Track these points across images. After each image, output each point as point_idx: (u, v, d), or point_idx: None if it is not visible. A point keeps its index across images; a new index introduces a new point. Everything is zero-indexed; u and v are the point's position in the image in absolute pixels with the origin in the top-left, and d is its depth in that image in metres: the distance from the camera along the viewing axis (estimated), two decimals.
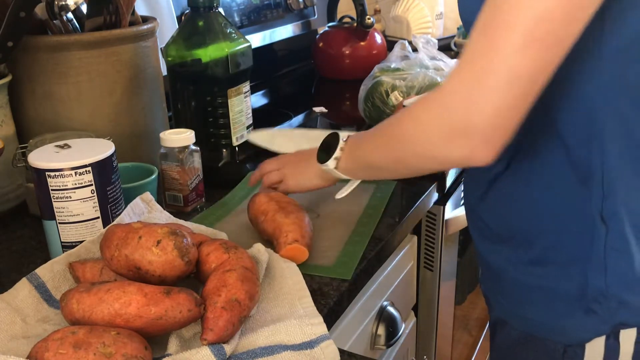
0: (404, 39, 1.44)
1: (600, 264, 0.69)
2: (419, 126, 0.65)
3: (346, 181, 0.85)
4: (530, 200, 0.72)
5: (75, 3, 0.97)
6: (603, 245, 0.68)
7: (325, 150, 0.82)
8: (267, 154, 1.18)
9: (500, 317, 0.82)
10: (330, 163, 0.81)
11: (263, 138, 1.09)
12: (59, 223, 0.76)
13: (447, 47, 2.01)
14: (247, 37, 1.41)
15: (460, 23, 2.16)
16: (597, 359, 0.72)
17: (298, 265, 0.76)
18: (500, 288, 0.80)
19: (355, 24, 1.76)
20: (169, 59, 1.00)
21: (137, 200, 0.83)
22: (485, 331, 1.64)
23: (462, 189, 1.13)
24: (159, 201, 0.89)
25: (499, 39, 0.56)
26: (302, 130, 1.10)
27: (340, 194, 0.86)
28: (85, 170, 0.75)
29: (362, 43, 1.75)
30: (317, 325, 0.64)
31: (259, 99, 1.64)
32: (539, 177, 0.70)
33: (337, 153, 0.80)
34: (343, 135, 0.82)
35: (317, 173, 0.86)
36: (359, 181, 0.85)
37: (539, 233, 0.72)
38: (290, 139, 1.07)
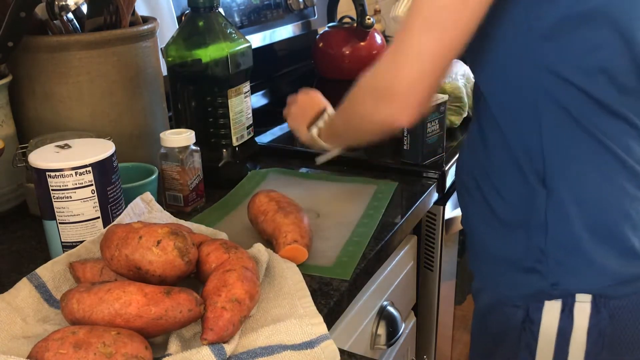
0: None
1: (541, 225, 0.75)
2: (358, 90, 0.78)
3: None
4: (485, 156, 0.80)
5: (76, 3, 0.97)
6: (544, 208, 0.74)
7: (314, 119, 0.97)
8: (268, 153, 1.18)
9: (476, 285, 0.90)
10: (314, 130, 0.95)
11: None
12: (59, 223, 0.76)
13: None
14: (247, 37, 1.41)
15: None
16: (552, 330, 0.77)
17: (297, 266, 0.76)
18: (472, 251, 0.88)
19: (355, 24, 1.76)
20: (169, 59, 1.00)
21: (138, 200, 0.83)
22: None
23: None
24: (159, 201, 0.89)
25: (410, 23, 0.69)
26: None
27: (320, 159, 1.01)
28: (86, 170, 0.75)
29: (362, 43, 1.75)
30: (317, 325, 0.64)
31: (259, 99, 1.64)
32: (490, 142, 0.79)
33: (320, 123, 0.95)
34: (329, 109, 0.96)
35: (305, 132, 0.98)
36: (337, 151, 0.97)
37: (492, 191, 0.80)
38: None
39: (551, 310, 0.76)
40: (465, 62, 1.28)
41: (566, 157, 0.73)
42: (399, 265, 1.05)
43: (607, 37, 0.67)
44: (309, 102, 1.02)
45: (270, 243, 0.81)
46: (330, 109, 0.95)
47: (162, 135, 0.92)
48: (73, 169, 0.74)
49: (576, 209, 0.73)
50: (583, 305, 0.75)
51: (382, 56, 0.73)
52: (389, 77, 0.71)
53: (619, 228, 0.73)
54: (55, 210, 0.76)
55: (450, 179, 1.12)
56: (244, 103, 1.04)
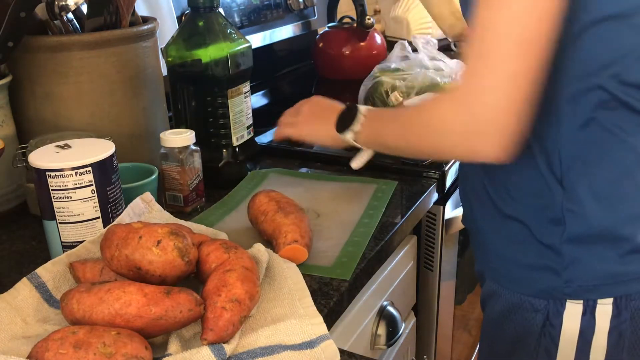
0: (404, 40, 1.44)
1: (557, 223, 0.75)
2: (438, 119, 0.71)
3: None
4: (508, 179, 0.79)
5: (76, 3, 0.97)
6: (561, 206, 0.74)
7: (344, 121, 0.89)
8: (268, 153, 1.18)
9: (488, 287, 0.87)
10: (348, 135, 0.88)
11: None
12: (59, 223, 0.76)
13: (447, 47, 2.01)
14: (247, 37, 1.41)
15: None
16: (573, 332, 0.76)
17: (297, 266, 0.76)
18: (484, 251, 0.87)
19: (355, 25, 1.76)
20: (169, 59, 1.00)
21: (138, 200, 0.83)
22: None
23: None
24: (159, 201, 0.89)
25: (493, 48, 0.64)
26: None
27: (356, 164, 0.94)
28: (86, 170, 0.75)
29: (362, 43, 1.75)
30: (317, 325, 0.64)
31: (259, 99, 1.64)
32: None
33: (356, 127, 0.87)
34: (361, 108, 0.88)
35: (331, 135, 0.91)
36: (372, 152, 0.92)
37: (508, 189, 0.79)
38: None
39: (572, 314, 0.76)
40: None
41: (584, 154, 0.72)
42: (399, 265, 1.05)
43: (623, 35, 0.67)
44: (322, 104, 0.98)
45: (271, 243, 0.81)
46: (363, 109, 0.89)
47: (162, 135, 0.92)
48: (73, 169, 0.74)
49: (594, 205, 0.73)
50: (605, 307, 0.74)
51: (463, 83, 0.68)
52: (477, 109, 0.66)
53: (638, 224, 0.73)
54: (55, 210, 0.76)
55: (450, 179, 1.12)
56: (244, 103, 1.04)
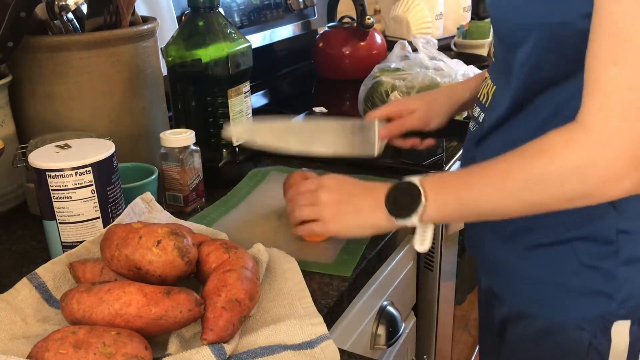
0: (404, 39, 1.44)
1: (610, 247, 0.71)
2: (569, 168, 0.62)
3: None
4: None
5: (76, 3, 0.97)
6: (615, 230, 0.70)
7: (401, 203, 0.72)
8: (268, 153, 1.18)
9: (514, 311, 0.81)
10: (414, 218, 0.71)
11: (243, 132, 0.96)
12: (59, 223, 0.76)
13: (447, 47, 2.01)
14: (247, 37, 1.41)
15: (460, 23, 2.16)
16: (623, 346, 0.74)
17: (298, 262, 0.77)
18: (513, 279, 0.79)
19: (355, 24, 1.76)
20: (169, 59, 1.00)
21: (138, 200, 0.83)
22: None
23: None
24: (159, 201, 0.89)
25: (638, 80, 0.57)
26: (284, 122, 0.96)
27: (426, 246, 0.75)
28: (86, 171, 0.75)
29: (362, 43, 1.75)
30: (317, 325, 0.64)
31: (259, 99, 1.64)
32: None
33: (421, 207, 0.71)
34: (415, 181, 0.72)
35: (372, 222, 0.76)
36: (433, 225, 0.75)
37: (555, 224, 0.73)
38: (272, 133, 0.93)
39: (621, 329, 0.74)
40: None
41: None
42: (399, 265, 1.05)
43: None
44: (343, 189, 0.78)
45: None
46: (417, 181, 0.72)
47: (162, 135, 0.92)
48: (73, 169, 0.74)
49: None
50: None
51: (594, 119, 0.60)
52: (629, 146, 0.59)
53: None
54: (55, 210, 0.76)
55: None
56: (244, 103, 1.04)
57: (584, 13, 0.61)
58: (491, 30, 0.84)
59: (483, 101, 0.82)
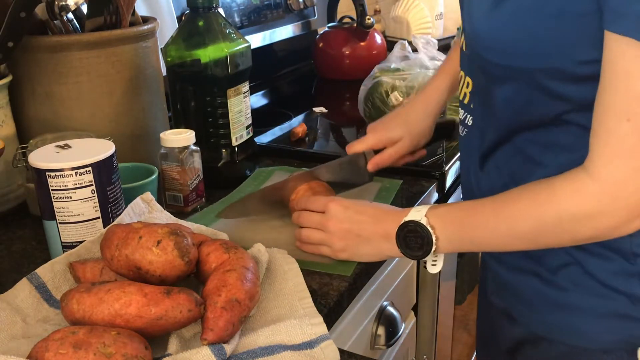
0: (404, 39, 1.44)
1: (632, 266, 0.70)
2: (581, 217, 0.63)
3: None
4: None
5: (76, 3, 0.97)
6: (631, 252, 0.69)
7: (411, 245, 0.73)
8: (268, 153, 1.18)
9: (531, 334, 0.79)
10: (429, 259, 0.75)
11: (236, 212, 0.92)
12: (59, 223, 0.76)
13: (447, 47, 2.01)
14: (247, 37, 1.41)
15: (460, 23, 2.16)
16: None
17: (299, 261, 0.77)
18: (532, 304, 0.78)
19: (355, 25, 1.76)
20: (169, 59, 1.00)
21: (138, 200, 0.83)
22: None
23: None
24: (159, 201, 0.88)
25: None
26: (266, 223, 0.91)
27: (434, 269, 0.76)
28: (86, 171, 0.75)
29: (362, 43, 1.75)
30: (317, 325, 0.64)
31: (259, 99, 1.64)
32: (552, 167, 0.71)
33: (432, 246, 0.72)
34: (418, 216, 0.72)
35: (382, 253, 0.77)
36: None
37: (575, 245, 0.71)
38: (254, 232, 0.88)
39: None
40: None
41: None
42: (399, 265, 1.05)
43: None
44: (351, 220, 0.77)
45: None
46: (424, 218, 0.72)
47: (162, 135, 0.92)
48: (73, 169, 0.74)
49: None
50: None
51: (607, 171, 0.61)
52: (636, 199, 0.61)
53: None
54: (55, 210, 0.76)
55: (450, 179, 1.12)
56: (243, 103, 1.04)
57: (583, 60, 0.62)
58: (461, 25, 0.79)
59: (466, 102, 0.79)
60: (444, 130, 1.02)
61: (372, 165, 0.94)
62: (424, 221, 0.72)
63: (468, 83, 0.78)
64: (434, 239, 0.72)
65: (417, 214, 0.73)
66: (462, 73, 0.80)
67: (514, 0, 0.64)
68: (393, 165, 0.98)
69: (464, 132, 0.81)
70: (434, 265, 0.76)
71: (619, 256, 0.70)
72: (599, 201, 0.62)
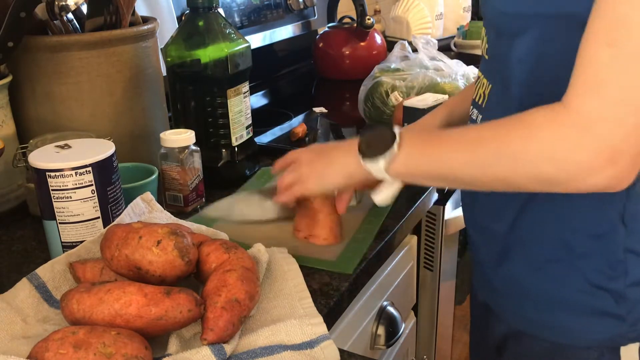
0: (404, 40, 1.44)
1: (618, 266, 0.69)
2: (545, 148, 0.59)
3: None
4: (561, 217, 0.71)
5: (76, 3, 0.97)
6: (622, 248, 0.69)
7: (374, 145, 0.70)
8: (267, 153, 1.18)
9: (516, 329, 0.79)
10: (381, 162, 0.69)
11: (222, 209, 0.91)
12: (60, 223, 0.76)
13: (447, 47, 2.01)
14: (247, 37, 1.41)
15: (460, 23, 2.16)
16: None
17: (301, 259, 0.77)
18: (515, 300, 0.78)
19: (355, 25, 1.76)
20: (169, 59, 1.00)
21: (138, 200, 0.83)
22: None
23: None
24: (159, 201, 0.89)
25: (629, 66, 0.54)
26: (259, 194, 0.91)
27: (383, 197, 0.74)
28: (86, 171, 0.75)
29: (362, 43, 1.75)
30: (317, 325, 0.64)
31: (259, 99, 1.64)
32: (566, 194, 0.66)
33: (392, 153, 0.69)
34: (396, 130, 0.70)
35: (344, 169, 0.75)
36: (400, 185, 0.73)
37: (562, 241, 0.71)
38: (248, 204, 0.89)
39: (631, 348, 0.72)
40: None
41: None
42: (399, 265, 1.05)
43: None
44: (320, 147, 0.80)
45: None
46: (397, 130, 0.70)
47: (162, 135, 0.92)
48: (73, 169, 0.74)
49: None
50: None
51: (584, 103, 0.57)
52: (615, 133, 0.56)
53: None
54: (55, 210, 0.76)
55: None
56: (243, 103, 1.04)
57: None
58: (483, 31, 0.77)
59: (479, 102, 0.78)
60: None
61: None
62: (396, 129, 0.70)
63: (483, 84, 0.77)
64: (395, 145, 0.68)
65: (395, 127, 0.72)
66: (480, 75, 0.79)
67: None
68: None
69: None
70: (382, 191, 0.73)
71: (606, 253, 0.69)
72: (568, 133, 0.58)
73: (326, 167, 0.77)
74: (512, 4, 0.66)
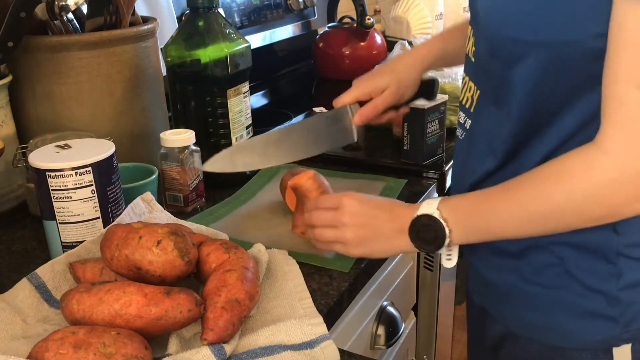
0: (404, 40, 1.44)
1: (611, 271, 0.69)
2: (590, 195, 0.62)
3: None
4: None
5: (76, 3, 0.97)
6: (615, 254, 0.69)
7: (424, 237, 0.72)
8: None
9: (510, 331, 0.79)
10: (444, 252, 0.73)
11: (222, 163, 0.87)
12: (60, 223, 0.76)
13: None
14: (247, 37, 1.41)
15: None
16: None
17: (299, 257, 0.77)
18: (509, 302, 0.78)
19: (355, 25, 1.76)
20: (169, 59, 1.00)
21: (138, 200, 0.83)
22: None
23: None
24: (159, 201, 0.88)
25: None
26: (258, 138, 0.88)
27: (450, 263, 0.75)
28: (86, 171, 0.75)
29: (362, 43, 1.75)
30: (317, 325, 0.64)
31: (259, 99, 1.64)
32: None
33: (446, 239, 0.71)
34: (430, 209, 0.71)
35: (396, 249, 0.76)
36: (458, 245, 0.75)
37: (547, 242, 0.72)
38: (252, 152, 0.87)
39: (624, 349, 0.72)
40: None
41: None
42: (399, 265, 1.05)
43: None
44: (365, 213, 0.76)
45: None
46: (436, 211, 0.71)
47: (162, 135, 0.92)
48: (73, 169, 0.74)
49: None
50: None
51: (615, 145, 0.60)
52: None
53: None
54: (55, 210, 0.76)
55: (450, 179, 1.12)
56: (243, 103, 1.04)
57: (597, 33, 0.60)
58: (470, 30, 0.75)
59: (467, 106, 0.78)
60: (424, 87, 0.98)
61: (358, 117, 0.89)
62: (436, 214, 0.70)
63: (470, 87, 0.77)
64: (447, 231, 0.70)
65: (429, 207, 0.71)
66: (466, 77, 0.79)
67: None
68: (377, 122, 0.94)
69: (463, 135, 0.80)
70: (449, 259, 0.74)
71: (600, 256, 0.69)
72: (609, 175, 0.60)
73: (375, 241, 0.75)
74: (513, 29, 0.66)
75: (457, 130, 0.82)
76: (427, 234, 0.72)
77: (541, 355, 0.76)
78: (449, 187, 1.13)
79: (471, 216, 0.70)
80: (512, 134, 0.71)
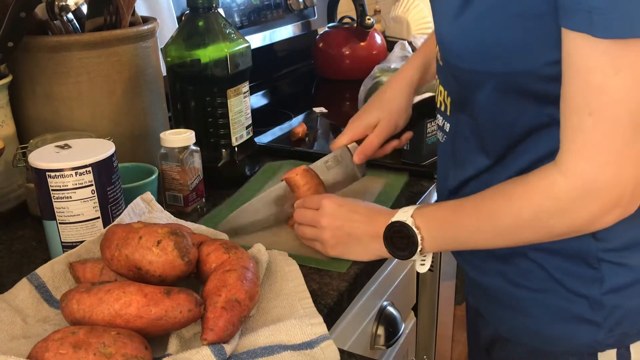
0: (404, 40, 1.44)
1: (593, 276, 0.70)
2: (554, 212, 0.64)
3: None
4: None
5: (76, 3, 0.97)
6: (596, 260, 0.69)
7: (397, 244, 0.75)
8: (268, 153, 1.18)
9: (500, 334, 0.81)
10: (417, 258, 0.75)
11: (235, 223, 0.89)
12: (60, 223, 0.76)
13: None
14: (247, 37, 1.41)
15: None
16: None
17: (296, 257, 0.77)
18: (497, 305, 0.79)
19: (355, 25, 1.76)
20: (169, 59, 1.00)
21: (138, 200, 0.83)
22: None
23: None
24: (159, 201, 0.88)
25: (622, 130, 0.59)
26: (259, 198, 0.91)
27: (423, 268, 0.78)
28: (86, 171, 0.75)
29: (362, 43, 1.75)
30: (317, 325, 0.64)
31: (259, 99, 1.64)
32: None
33: (418, 246, 0.73)
34: (404, 217, 0.74)
35: (372, 253, 0.79)
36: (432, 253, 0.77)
37: (524, 250, 0.72)
38: (256, 214, 0.89)
39: (609, 353, 0.72)
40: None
41: None
42: (399, 265, 1.05)
43: None
44: (343, 217, 0.79)
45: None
46: (409, 219, 0.73)
47: (162, 135, 0.92)
48: (73, 169, 0.74)
49: (630, 253, 0.69)
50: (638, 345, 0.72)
51: (575, 173, 0.61)
52: (611, 190, 0.61)
53: None
54: (55, 210, 0.76)
55: None
56: (243, 103, 1.04)
57: (551, 61, 0.61)
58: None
59: (443, 110, 0.79)
60: (424, 108, 0.99)
61: (356, 157, 0.92)
62: (409, 222, 0.73)
63: (441, 92, 0.78)
64: (419, 239, 0.73)
65: (404, 214, 0.74)
66: (437, 81, 0.80)
67: (476, 6, 0.64)
68: (382, 153, 0.97)
69: (444, 139, 0.80)
70: (423, 264, 0.77)
71: (582, 262, 0.70)
72: (570, 197, 0.62)
73: (351, 244, 0.79)
74: (467, 61, 0.68)
75: (438, 133, 0.82)
76: (400, 240, 0.75)
77: (529, 358, 0.77)
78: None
79: (442, 228, 0.73)
80: (493, 139, 0.72)
